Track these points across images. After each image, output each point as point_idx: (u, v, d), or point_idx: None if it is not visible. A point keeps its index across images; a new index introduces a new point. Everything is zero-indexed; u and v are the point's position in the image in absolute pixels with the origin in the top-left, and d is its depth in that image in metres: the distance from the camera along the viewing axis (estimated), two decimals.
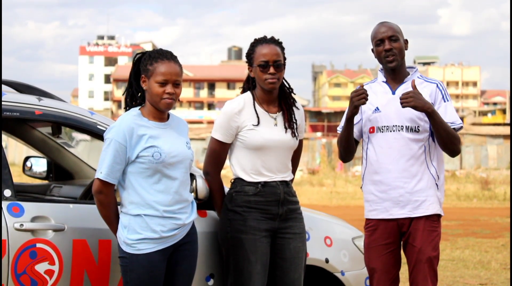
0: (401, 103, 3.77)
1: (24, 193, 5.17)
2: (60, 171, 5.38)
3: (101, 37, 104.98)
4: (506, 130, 41.06)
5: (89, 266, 3.60)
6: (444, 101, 3.91)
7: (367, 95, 3.82)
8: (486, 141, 39.17)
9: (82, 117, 3.90)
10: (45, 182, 5.47)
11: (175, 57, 3.54)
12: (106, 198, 3.45)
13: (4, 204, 3.50)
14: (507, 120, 64.64)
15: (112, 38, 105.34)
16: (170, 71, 3.46)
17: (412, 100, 3.72)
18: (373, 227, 3.96)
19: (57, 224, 3.57)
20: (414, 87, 3.79)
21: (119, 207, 3.53)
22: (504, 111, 79.53)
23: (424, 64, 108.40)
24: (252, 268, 3.81)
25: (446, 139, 3.84)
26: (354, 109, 3.86)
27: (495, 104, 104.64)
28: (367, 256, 3.99)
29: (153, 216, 3.43)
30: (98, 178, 3.43)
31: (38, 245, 3.50)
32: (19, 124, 5.12)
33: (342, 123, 4.01)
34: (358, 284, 4.37)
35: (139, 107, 3.57)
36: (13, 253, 3.44)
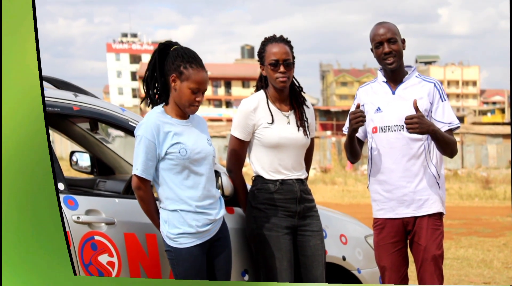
0: (407, 129, 3.69)
1: (74, 187, 5.01)
2: (102, 166, 5.23)
3: (125, 35, 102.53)
4: (505, 130, 40.40)
5: (142, 258, 3.54)
6: (442, 101, 3.85)
7: (364, 117, 3.75)
8: (486, 140, 38.90)
9: (115, 114, 3.83)
10: (91, 176, 5.29)
11: (203, 64, 3.46)
12: (145, 194, 3.38)
13: (60, 197, 3.34)
14: (506, 120, 64.17)
15: (135, 35, 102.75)
16: (205, 81, 3.41)
17: (418, 126, 3.64)
18: (380, 225, 3.90)
19: (108, 217, 3.49)
20: (416, 108, 3.69)
21: (158, 202, 3.46)
22: (503, 111, 78.59)
23: (426, 63, 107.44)
24: (280, 265, 3.76)
25: (448, 148, 3.80)
26: (353, 131, 3.82)
27: (494, 103, 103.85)
28: (377, 254, 3.94)
29: (188, 212, 3.38)
30: (135, 175, 3.36)
31: (96, 237, 3.43)
32: (60, 119, 4.97)
33: (347, 124, 3.92)
34: (373, 282, 4.31)
35: (162, 104, 3.48)
36: (77, 245, 3.38)
